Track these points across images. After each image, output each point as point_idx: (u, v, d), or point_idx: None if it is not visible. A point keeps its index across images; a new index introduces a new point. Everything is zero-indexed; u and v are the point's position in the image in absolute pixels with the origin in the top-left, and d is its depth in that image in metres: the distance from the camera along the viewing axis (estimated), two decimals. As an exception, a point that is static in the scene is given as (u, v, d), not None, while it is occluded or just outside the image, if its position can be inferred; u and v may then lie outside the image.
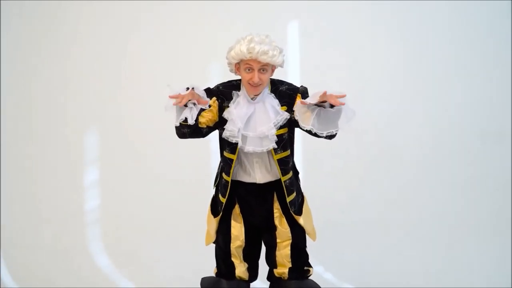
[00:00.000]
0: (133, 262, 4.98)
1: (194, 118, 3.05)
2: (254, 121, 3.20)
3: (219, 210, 3.36)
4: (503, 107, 5.36)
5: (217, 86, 3.31)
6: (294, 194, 3.33)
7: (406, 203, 5.24)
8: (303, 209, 3.39)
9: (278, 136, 3.20)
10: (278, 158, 3.23)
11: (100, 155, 5.38)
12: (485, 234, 5.10)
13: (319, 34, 5.37)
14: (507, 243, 5.05)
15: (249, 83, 3.15)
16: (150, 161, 5.34)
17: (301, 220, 3.36)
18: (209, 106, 3.18)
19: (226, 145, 3.26)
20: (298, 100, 3.15)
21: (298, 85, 3.31)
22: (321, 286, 3.49)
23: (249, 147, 3.19)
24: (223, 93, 3.26)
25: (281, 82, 3.29)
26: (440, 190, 5.30)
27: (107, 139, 5.38)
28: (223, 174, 3.33)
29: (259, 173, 3.30)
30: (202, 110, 3.12)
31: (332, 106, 3.00)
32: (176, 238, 5.08)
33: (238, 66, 3.19)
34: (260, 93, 3.21)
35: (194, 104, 3.05)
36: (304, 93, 3.23)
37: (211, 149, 4.98)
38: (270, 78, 3.25)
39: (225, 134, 3.20)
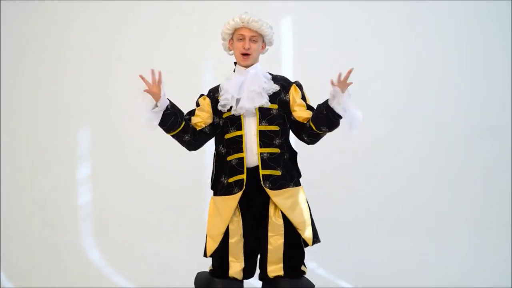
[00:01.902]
0: (126, 257, 4.98)
1: (158, 119, 3.26)
2: (247, 85, 3.33)
3: (235, 190, 3.29)
4: (500, 103, 5.38)
5: (207, 91, 3.47)
6: (279, 173, 3.30)
7: (401, 200, 5.25)
8: (296, 202, 3.33)
9: (266, 109, 3.30)
10: (260, 129, 3.30)
11: (92, 150, 5.38)
12: (484, 234, 5.12)
13: (313, 30, 5.37)
14: (507, 242, 5.08)
15: (242, 54, 3.33)
16: (143, 156, 5.33)
17: (278, 200, 3.28)
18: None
19: (230, 126, 3.32)
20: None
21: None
22: (314, 282, 3.48)
23: (241, 104, 3.29)
24: (213, 90, 3.44)
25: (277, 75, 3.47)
26: (437, 187, 5.31)
27: (100, 135, 5.38)
28: (232, 156, 3.31)
29: (255, 146, 3.30)
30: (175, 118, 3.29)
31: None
32: (169, 233, 5.08)
33: (231, 42, 3.38)
34: (252, 65, 3.36)
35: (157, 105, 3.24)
36: (299, 85, 3.40)
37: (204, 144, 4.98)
38: (267, 72, 3.42)
39: (221, 103, 3.33)
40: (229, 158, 3.33)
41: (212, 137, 3.45)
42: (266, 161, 3.29)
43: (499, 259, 4.88)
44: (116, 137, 5.34)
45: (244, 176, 3.28)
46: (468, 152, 5.35)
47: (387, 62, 5.37)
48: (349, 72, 3.19)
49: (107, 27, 5.38)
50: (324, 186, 5.15)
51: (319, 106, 3.28)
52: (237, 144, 3.31)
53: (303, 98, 3.40)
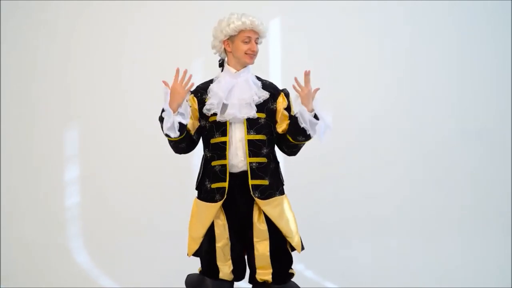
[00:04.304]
0: (113, 259, 4.97)
1: (177, 132, 3.19)
2: (236, 91, 3.33)
3: (217, 198, 3.31)
4: (491, 105, 5.41)
5: (195, 88, 3.43)
6: (266, 182, 3.32)
7: (389, 201, 5.27)
8: (282, 210, 3.35)
9: (254, 118, 3.30)
10: (249, 138, 3.30)
11: (80, 152, 5.36)
12: (476, 234, 5.14)
13: (301, 32, 5.38)
14: (506, 241, 5.09)
15: (246, 53, 3.32)
16: (132, 158, 5.32)
17: (268, 209, 3.30)
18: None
19: (215, 131, 3.31)
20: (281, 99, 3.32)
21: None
22: (302, 284, 3.49)
23: (229, 111, 3.28)
24: (202, 88, 3.40)
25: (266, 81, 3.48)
26: (425, 188, 5.33)
27: (87, 136, 5.36)
28: (216, 161, 3.32)
29: (243, 153, 3.31)
30: (181, 125, 3.23)
31: (315, 117, 3.22)
32: (158, 235, 5.08)
33: (228, 42, 3.35)
34: (246, 68, 3.37)
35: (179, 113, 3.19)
36: (286, 94, 3.41)
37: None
38: (256, 76, 3.43)
39: (206, 107, 3.32)
40: (213, 163, 3.34)
41: (198, 142, 3.44)
42: (255, 171, 3.30)
43: (493, 259, 4.90)
44: (105, 138, 5.32)
45: (226, 184, 3.30)
46: (457, 153, 5.37)
47: (376, 63, 5.38)
48: (306, 74, 3.22)
49: (96, 28, 5.37)
50: (310, 187, 5.15)
51: (292, 117, 3.31)
52: (221, 150, 3.31)
53: (288, 108, 3.40)
